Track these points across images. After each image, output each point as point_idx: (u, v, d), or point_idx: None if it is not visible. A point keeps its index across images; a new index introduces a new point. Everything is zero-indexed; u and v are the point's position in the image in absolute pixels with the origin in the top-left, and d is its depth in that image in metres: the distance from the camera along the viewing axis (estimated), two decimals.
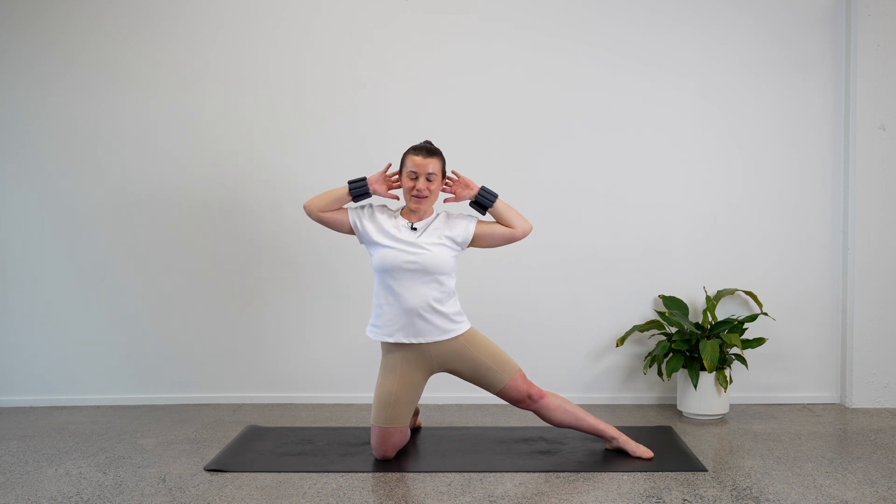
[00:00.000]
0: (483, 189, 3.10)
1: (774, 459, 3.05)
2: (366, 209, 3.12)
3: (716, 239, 4.02)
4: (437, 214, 3.12)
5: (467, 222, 3.10)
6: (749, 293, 3.90)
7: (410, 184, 3.03)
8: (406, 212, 3.12)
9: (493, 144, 4.02)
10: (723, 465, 2.99)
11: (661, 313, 3.86)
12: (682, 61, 4.00)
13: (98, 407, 4.05)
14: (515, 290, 4.03)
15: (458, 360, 3.06)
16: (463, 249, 3.11)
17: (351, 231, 3.11)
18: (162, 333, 4.09)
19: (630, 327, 3.97)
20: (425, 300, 2.99)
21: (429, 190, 3.02)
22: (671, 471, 2.90)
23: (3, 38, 4.03)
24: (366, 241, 3.08)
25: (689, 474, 2.87)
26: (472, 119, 4.02)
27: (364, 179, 3.10)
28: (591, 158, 4.02)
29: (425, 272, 2.98)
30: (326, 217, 3.09)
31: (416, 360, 3.05)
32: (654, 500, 2.62)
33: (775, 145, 4.00)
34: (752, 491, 2.70)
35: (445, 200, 3.18)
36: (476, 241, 3.11)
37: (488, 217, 3.17)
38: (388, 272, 3.00)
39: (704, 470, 2.91)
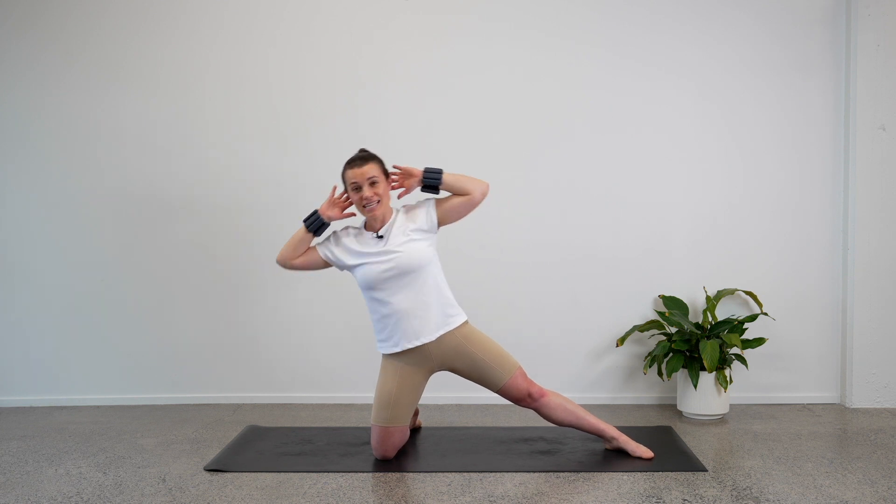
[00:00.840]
0: (426, 170, 3.07)
1: (774, 459, 3.05)
2: (331, 238, 3.14)
3: (716, 239, 4.02)
4: (397, 212, 3.11)
5: (426, 207, 3.08)
6: (749, 293, 3.90)
7: (357, 196, 3.01)
8: (368, 224, 3.11)
9: (493, 144, 4.02)
10: (723, 465, 2.99)
11: (661, 313, 3.86)
12: (682, 61, 4.00)
13: (98, 407, 4.05)
14: (515, 290, 4.03)
15: (458, 357, 3.06)
16: (435, 233, 3.09)
17: (327, 265, 3.14)
18: (162, 333, 4.09)
19: (630, 327, 3.97)
20: (417, 300, 3.00)
21: (376, 194, 2.99)
22: (671, 471, 2.90)
23: (3, 38, 4.04)
24: (343, 266, 3.11)
25: (689, 474, 2.87)
26: (471, 119, 4.02)
27: (315, 212, 3.11)
28: (591, 158, 4.02)
29: (405, 273, 2.98)
30: (299, 263, 3.13)
31: (416, 359, 3.05)
32: (654, 500, 2.62)
33: (775, 145, 4.00)
34: (752, 491, 2.70)
35: (399, 196, 3.16)
36: (443, 219, 3.08)
37: (445, 194, 3.13)
38: (372, 287, 3.02)
39: (704, 470, 2.91)
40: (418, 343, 3.02)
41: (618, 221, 4.02)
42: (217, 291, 4.08)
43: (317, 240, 3.18)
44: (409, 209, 3.11)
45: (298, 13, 4.05)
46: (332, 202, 3.12)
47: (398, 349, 3.04)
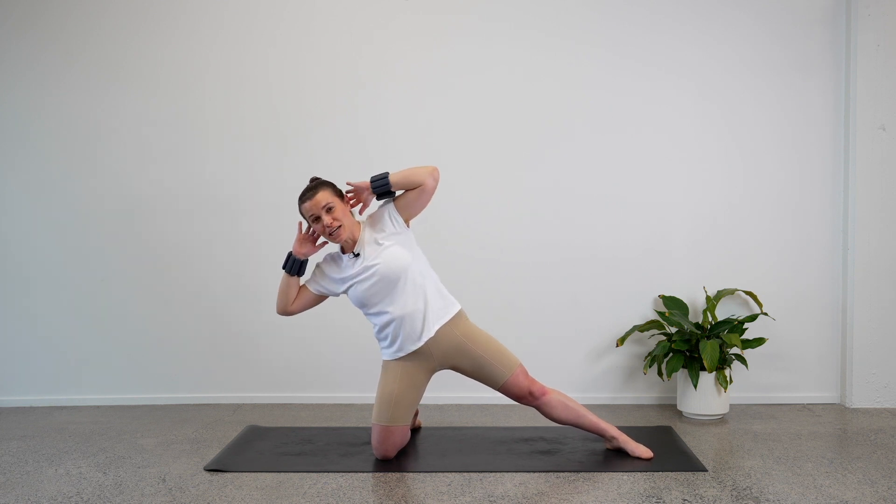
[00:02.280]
0: (372, 179, 3.03)
1: (774, 459, 3.05)
2: (315, 272, 3.16)
3: (716, 239, 4.02)
4: (364, 226, 3.09)
5: (387, 210, 3.06)
6: (749, 293, 3.90)
7: (319, 226, 3.00)
8: (342, 246, 3.10)
9: (494, 144, 4.02)
10: (723, 465, 2.99)
11: (661, 313, 3.86)
12: (682, 61, 4.00)
13: (98, 407, 4.05)
14: (515, 290, 4.03)
15: (459, 355, 3.06)
16: (407, 231, 3.07)
17: (324, 297, 3.18)
18: (162, 333, 4.09)
19: (630, 327, 3.96)
20: (410, 302, 3.00)
21: (335, 220, 2.97)
22: (671, 471, 2.90)
23: (3, 38, 4.04)
24: (336, 294, 3.15)
25: (689, 474, 2.87)
26: (472, 119, 4.02)
27: (290, 254, 3.11)
28: (591, 159, 4.02)
29: (390, 281, 2.98)
30: (297, 307, 3.16)
31: (418, 359, 3.06)
32: (654, 500, 2.62)
33: (775, 145, 4.00)
34: (752, 491, 2.70)
35: (360, 212, 3.12)
36: (408, 215, 3.07)
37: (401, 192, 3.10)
38: (365, 305, 3.05)
39: (704, 470, 2.91)
40: (421, 343, 3.02)
41: (618, 221, 4.02)
42: (217, 291, 4.08)
43: (304, 278, 3.18)
44: (373, 218, 3.10)
45: (298, 13, 4.05)
46: (302, 239, 3.12)
47: (403, 353, 3.05)
